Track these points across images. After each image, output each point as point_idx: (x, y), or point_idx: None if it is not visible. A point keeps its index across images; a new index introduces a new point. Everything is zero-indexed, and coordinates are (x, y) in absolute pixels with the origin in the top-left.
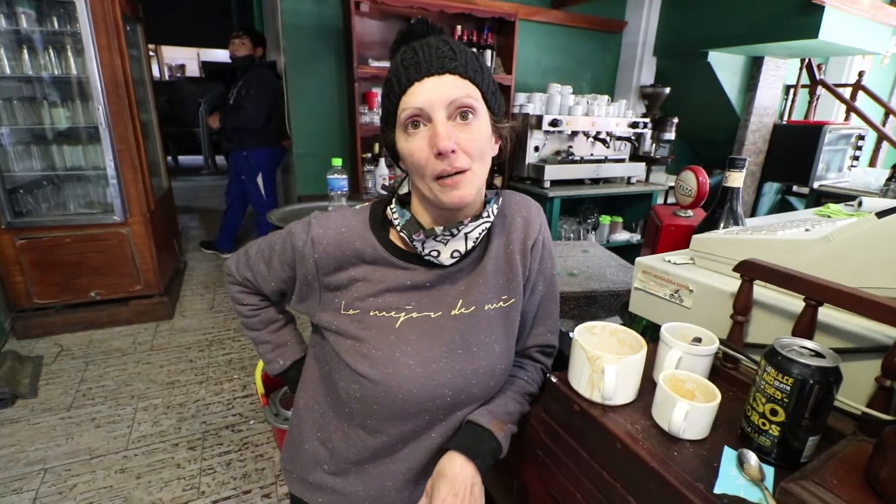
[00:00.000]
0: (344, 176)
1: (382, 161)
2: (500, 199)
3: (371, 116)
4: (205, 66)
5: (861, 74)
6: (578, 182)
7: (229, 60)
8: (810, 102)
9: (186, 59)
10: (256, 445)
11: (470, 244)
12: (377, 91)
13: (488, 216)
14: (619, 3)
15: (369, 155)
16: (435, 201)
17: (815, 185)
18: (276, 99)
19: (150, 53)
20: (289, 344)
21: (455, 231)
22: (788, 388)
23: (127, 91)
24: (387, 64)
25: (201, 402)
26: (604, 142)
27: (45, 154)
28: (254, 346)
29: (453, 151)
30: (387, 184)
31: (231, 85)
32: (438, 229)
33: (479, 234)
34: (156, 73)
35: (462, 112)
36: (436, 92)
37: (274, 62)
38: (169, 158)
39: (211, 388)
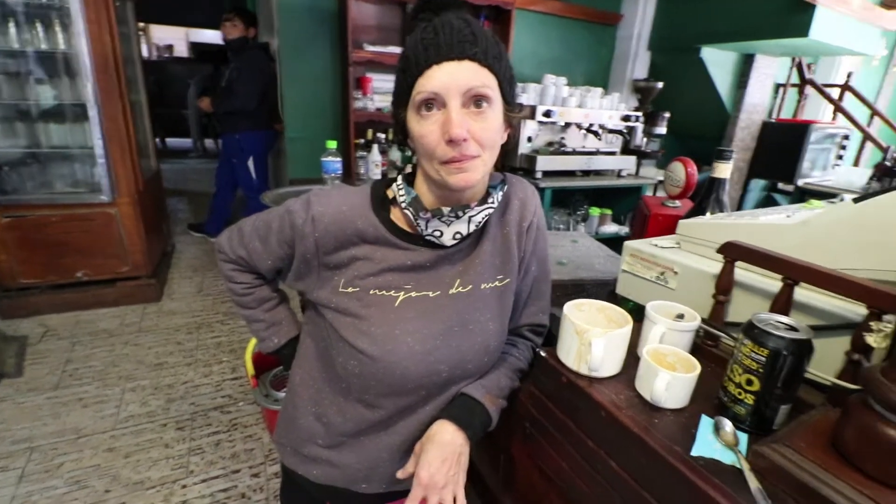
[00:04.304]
0: (338, 159)
1: (375, 147)
2: (506, 186)
3: (365, 102)
4: (193, 46)
5: (849, 75)
6: (570, 173)
7: (220, 41)
8: (799, 101)
9: (174, 39)
10: (245, 426)
11: (472, 227)
12: (372, 76)
13: (493, 202)
14: None
15: (362, 140)
16: (441, 182)
17: (800, 182)
18: (268, 81)
19: (139, 32)
20: (283, 322)
21: (460, 213)
22: (764, 358)
23: (116, 69)
24: (382, 49)
25: (190, 383)
26: (596, 134)
27: (29, 131)
28: (247, 325)
29: (465, 139)
30: (380, 170)
31: (223, 67)
32: (445, 210)
33: (483, 218)
34: (144, 52)
35: (477, 100)
36: (453, 78)
37: (267, 43)
38: (157, 140)
39: (199, 371)
